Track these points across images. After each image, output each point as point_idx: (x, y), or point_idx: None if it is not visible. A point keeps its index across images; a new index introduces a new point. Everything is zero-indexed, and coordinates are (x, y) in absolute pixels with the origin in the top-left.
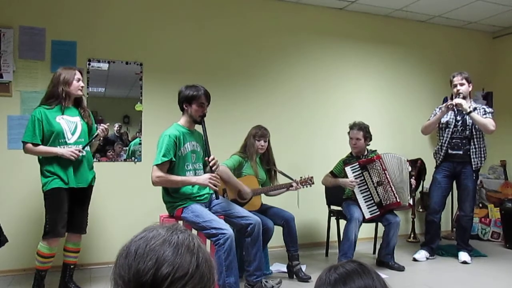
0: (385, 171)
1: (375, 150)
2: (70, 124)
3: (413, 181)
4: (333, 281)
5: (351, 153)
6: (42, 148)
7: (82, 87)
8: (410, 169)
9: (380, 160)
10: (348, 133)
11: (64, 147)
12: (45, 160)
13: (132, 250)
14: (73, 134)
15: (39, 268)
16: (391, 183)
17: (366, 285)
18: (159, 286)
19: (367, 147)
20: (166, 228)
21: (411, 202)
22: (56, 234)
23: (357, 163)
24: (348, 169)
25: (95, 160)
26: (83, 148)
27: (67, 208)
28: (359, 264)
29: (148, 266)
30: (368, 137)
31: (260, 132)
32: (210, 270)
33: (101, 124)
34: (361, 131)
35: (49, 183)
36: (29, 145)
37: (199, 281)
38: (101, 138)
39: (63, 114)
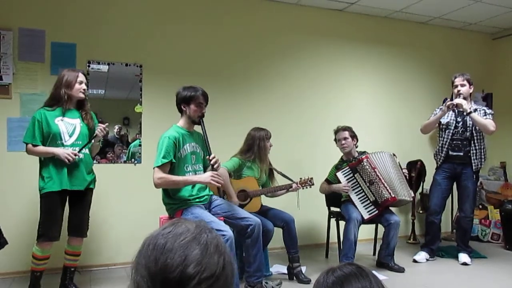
0: (375, 169)
1: (364, 151)
2: (68, 126)
3: (405, 171)
4: (331, 284)
5: (342, 158)
6: (40, 148)
7: (84, 89)
8: (397, 161)
9: (368, 159)
10: (335, 139)
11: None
12: (43, 162)
13: (160, 243)
14: (70, 136)
15: (34, 269)
16: (382, 180)
17: None
18: (186, 284)
19: (356, 149)
20: (195, 224)
21: (412, 193)
22: (49, 238)
23: (347, 167)
24: (339, 175)
25: (95, 162)
26: (80, 150)
27: (63, 211)
28: (357, 267)
29: (176, 263)
30: (354, 136)
31: (268, 134)
32: (233, 273)
33: (99, 124)
34: (345, 130)
35: (45, 186)
36: (30, 146)
37: (224, 283)
38: (101, 139)
39: (63, 116)
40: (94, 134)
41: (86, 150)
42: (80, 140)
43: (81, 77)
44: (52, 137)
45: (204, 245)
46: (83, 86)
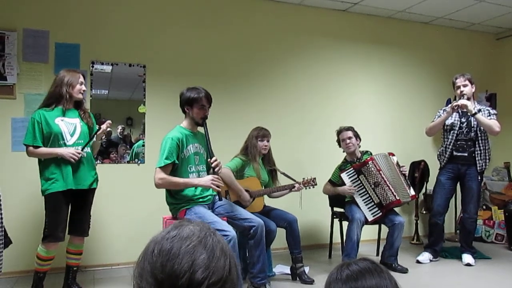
0: (380, 171)
1: (367, 151)
2: (69, 125)
3: (403, 169)
4: (345, 278)
5: (345, 158)
6: (42, 149)
7: (84, 90)
8: (396, 160)
9: (373, 161)
10: (337, 140)
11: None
12: (45, 163)
13: (165, 248)
14: (72, 135)
15: (38, 270)
16: (387, 182)
17: (378, 284)
18: None
19: (360, 149)
20: (199, 227)
21: (412, 192)
22: (55, 238)
23: (352, 168)
24: (344, 175)
25: (98, 162)
26: (83, 148)
27: (67, 211)
28: (372, 262)
29: (184, 269)
30: (357, 136)
31: (261, 133)
32: (238, 274)
33: (107, 121)
34: (349, 130)
35: (49, 187)
36: (31, 148)
37: (230, 286)
38: (104, 136)
39: (64, 115)
40: (96, 130)
41: (88, 149)
42: (81, 139)
43: (82, 78)
44: (53, 138)
45: (210, 249)
46: (83, 87)
